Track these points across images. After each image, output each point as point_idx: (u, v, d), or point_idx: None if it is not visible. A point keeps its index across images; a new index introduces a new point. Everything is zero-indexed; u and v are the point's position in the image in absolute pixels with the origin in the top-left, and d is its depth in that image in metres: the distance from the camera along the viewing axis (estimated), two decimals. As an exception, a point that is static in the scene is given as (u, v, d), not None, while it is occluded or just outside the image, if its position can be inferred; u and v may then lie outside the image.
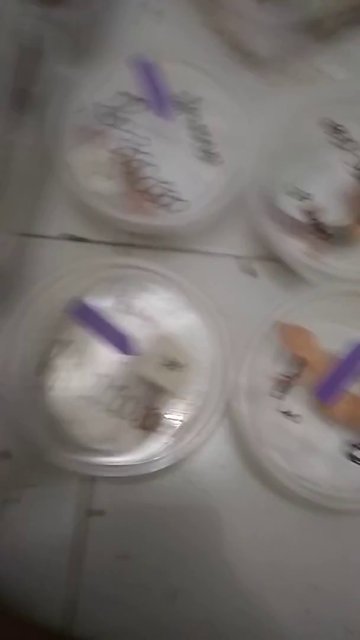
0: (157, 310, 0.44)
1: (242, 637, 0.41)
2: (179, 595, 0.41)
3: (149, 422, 0.41)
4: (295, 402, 0.42)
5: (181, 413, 0.41)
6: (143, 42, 0.54)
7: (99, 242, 0.48)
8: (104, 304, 0.43)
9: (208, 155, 0.47)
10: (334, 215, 0.46)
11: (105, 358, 0.43)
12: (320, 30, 0.52)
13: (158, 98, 0.48)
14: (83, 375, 0.42)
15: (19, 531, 0.42)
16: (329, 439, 0.41)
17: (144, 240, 0.48)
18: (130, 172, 0.46)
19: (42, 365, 0.42)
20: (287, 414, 0.41)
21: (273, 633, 0.41)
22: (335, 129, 0.47)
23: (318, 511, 0.42)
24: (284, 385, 0.42)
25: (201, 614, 0.41)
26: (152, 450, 0.40)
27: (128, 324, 0.43)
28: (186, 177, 0.47)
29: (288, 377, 0.42)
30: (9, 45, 0.43)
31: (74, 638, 0.40)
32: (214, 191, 0.46)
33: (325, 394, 0.41)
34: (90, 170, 0.45)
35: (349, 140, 0.46)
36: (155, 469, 0.39)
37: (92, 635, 0.40)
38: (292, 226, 0.45)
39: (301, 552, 0.42)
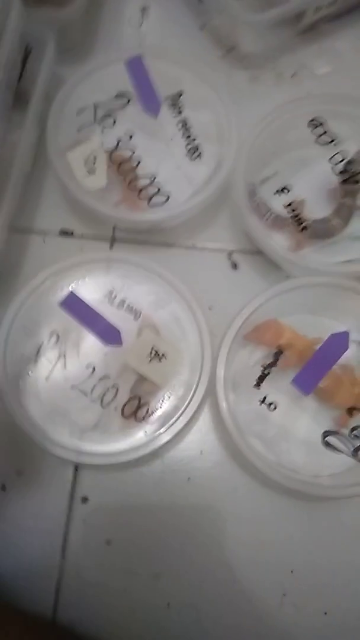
0: (142, 302, 0.45)
1: (222, 620, 0.42)
2: (162, 579, 0.42)
3: (131, 411, 0.42)
4: (271, 390, 0.43)
5: (162, 402, 0.42)
6: (128, 39, 0.55)
7: (89, 237, 0.50)
8: (92, 296, 0.45)
9: (190, 150, 0.48)
10: (313, 208, 0.47)
11: (90, 348, 0.44)
12: (301, 25, 0.52)
13: (146, 95, 0.48)
14: (68, 364, 0.43)
15: (4, 517, 0.43)
16: (304, 427, 0.43)
17: (132, 235, 0.50)
18: (123, 169, 0.47)
19: (36, 356, 0.43)
20: (263, 402, 0.42)
21: (252, 615, 0.42)
22: (315, 124, 0.47)
23: (296, 497, 0.43)
24: (261, 374, 0.43)
25: (183, 597, 0.42)
26: (134, 437, 0.42)
27: (114, 316, 0.44)
28: (170, 172, 0.48)
29: (264, 366, 0.43)
30: (14, 47, 0.44)
31: (57, 623, 0.41)
32: (195, 185, 0.47)
33: (303, 383, 0.42)
34: (85, 168, 0.46)
35: (329, 134, 0.47)
36: (136, 456, 0.40)
37: (74, 621, 0.42)
38: (273, 219, 0.46)
39: (279, 536, 0.43)
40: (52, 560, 0.42)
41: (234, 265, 0.49)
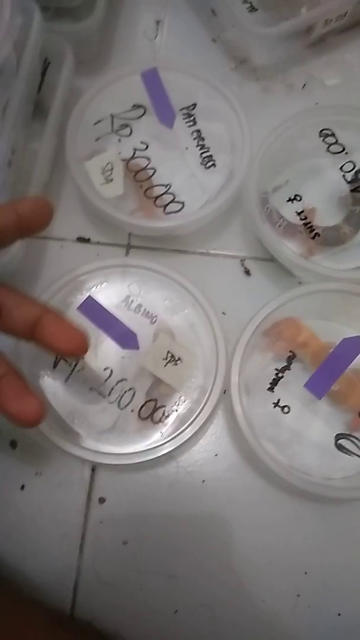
0: (158, 307, 0.46)
1: (236, 620, 0.42)
2: (176, 579, 0.43)
3: (147, 413, 0.43)
4: (285, 394, 0.44)
5: (178, 405, 0.43)
6: (144, 51, 0.57)
7: (105, 244, 0.51)
8: (109, 301, 0.46)
9: (204, 159, 0.50)
10: (324, 215, 0.48)
11: (108, 352, 0.45)
12: (311, 37, 0.53)
13: (161, 106, 0.50)
14: (86, 367, 0.44)
15: (24, 516, 0.44)
16: (316, 430, 0.43)
17: (147, 242, 0.51)
18: (139, 178, 0.49)
19: (56, 359, 0.44)
20: (277, 405, 0.43)
21: (266, 615, 0.42)
22: (326, 134, 0.49)
23: (309, 499, 0.44)
24: (275, 377, 0.44)
25: (197, 597, 0.43)
26: (150, 439, 0.43)
27: (130, 320, 0.45)
28: (184, 180, 0.50)
29: (277, 370, 0.44)
30: (34, 59, 0.45)
31: (75, 618, 0.42)
32: (208, 193, 0.48)
33: (316, 386, 0.42)
34: (102, 177, 0.48)
35: (339, 143, 0.48)
36: (152, 457, 0.41)
37: (92, 617, 0.42)
38: (284, 227, 0.47)
39: (293, 538, 0.44)
40: (70, 560, 0.43)
41: (247, 272, 0.50)
